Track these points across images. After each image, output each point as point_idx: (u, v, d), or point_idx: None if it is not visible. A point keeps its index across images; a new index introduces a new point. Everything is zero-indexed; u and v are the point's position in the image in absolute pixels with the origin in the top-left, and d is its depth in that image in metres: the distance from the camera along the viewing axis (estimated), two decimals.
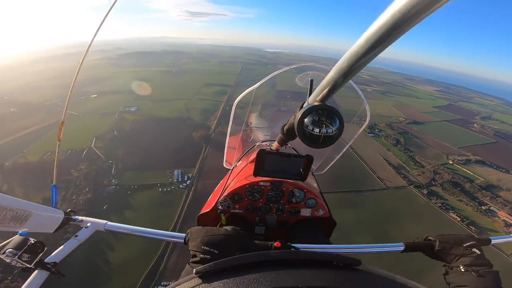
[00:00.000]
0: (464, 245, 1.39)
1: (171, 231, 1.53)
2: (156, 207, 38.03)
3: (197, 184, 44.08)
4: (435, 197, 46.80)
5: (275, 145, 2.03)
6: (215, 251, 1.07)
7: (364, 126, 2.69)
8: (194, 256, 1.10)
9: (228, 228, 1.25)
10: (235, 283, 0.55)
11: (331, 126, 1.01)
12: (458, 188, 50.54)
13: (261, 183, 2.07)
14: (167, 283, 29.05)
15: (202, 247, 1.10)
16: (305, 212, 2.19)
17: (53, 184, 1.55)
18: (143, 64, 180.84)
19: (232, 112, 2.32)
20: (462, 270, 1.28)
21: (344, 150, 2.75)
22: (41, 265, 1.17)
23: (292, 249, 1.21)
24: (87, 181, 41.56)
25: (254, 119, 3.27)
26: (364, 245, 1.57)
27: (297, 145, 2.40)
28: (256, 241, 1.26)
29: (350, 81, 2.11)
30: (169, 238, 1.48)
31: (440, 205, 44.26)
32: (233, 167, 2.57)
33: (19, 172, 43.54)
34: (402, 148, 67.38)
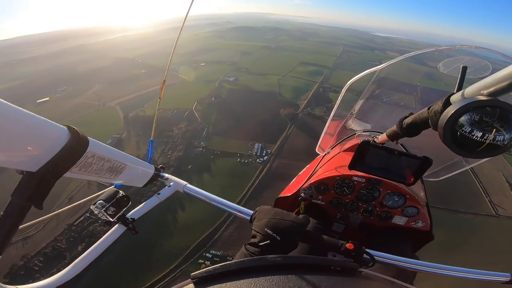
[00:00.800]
0: None
1: (236, 203, 1.48)
2: (231, 176, 39.19)
3: (273, 161, 42.95)
4: None
5: (381, 137, 1.65)
6: (277, 236, 1.00)
7: None
8: (254, 236, 1.04)
9: (301, 216, 1.12)
10: None
11: (504, 132, 0.72)
12: None
13: (355, 178, 1.82)
14: (216, 253, 30.06)
15: (266, 229, 1.03)
16: (399, 220, 1.88)
17: (151, 139, 1.52)
18: (246, 38, 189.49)
19: (341, 94, 2.12)
20: None
21: (486, 159, 1.90)
22: (122, 220, 1.21)
23: (365, 254, 1.09)
24: (183, 139, 46.88)
25: (357, 106, 2.72)
26: (460, 268, 1.34)
27: (409, 144, 2.05)
28: (325, 237, 1.13)
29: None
30: (236, 212, 1.42)
31: None
32: (325, 154, 2.30)
33: (138, 123, 53.28)
34: None
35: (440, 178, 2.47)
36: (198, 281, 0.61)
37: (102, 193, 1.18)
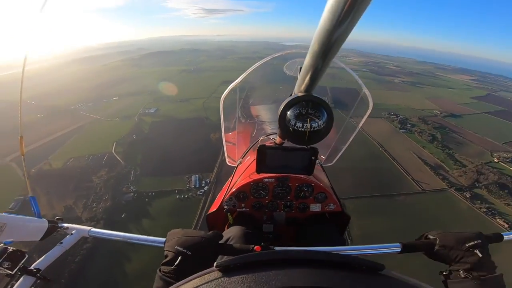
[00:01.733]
0: (467, 245, 1.25)
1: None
2: (173, 216, 36.86)
3: (214, 190, 42.34)
4: (479, 201, 42.41)
5: (278, 138, 1.83)
6: (188, 252, 1.05)
7: (368, 113, 2.24)
8: (166, 256, 1.08)
9: (211, 232, 1.22)
10: (254, 279, 0.55)
11: (317, 120, 0.89)
12: (506, 190, 45.52)
13: (266, 180, 1.98)
14: None
15: (176, 247, 1.08)
16: (315, 207, 2.07)
17: (30, 195, 1.52)
18: (163, 63, 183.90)
19: (221, 109, 2.19)
20: (462, 275, 1.19)
21: (350, 139, 2.45)
22: (25, 271, 1.25)
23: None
24: (106, 188, 41.42)
25: (258, 112, 2.96)
26: (358, 246, 1.45)
27: None
28: (237, 245, 1.21)
29: (343, 64, 2.11)
30: (150, 243, 1.44)
31: (485, 210, 39.96)
32: (238, 164, 2.43)
33: (44, 180, 44.35)
34: (440, 145, 60.62)
35: (333, 161, 2.75)
36: (222, 270, 0.62)
37: None
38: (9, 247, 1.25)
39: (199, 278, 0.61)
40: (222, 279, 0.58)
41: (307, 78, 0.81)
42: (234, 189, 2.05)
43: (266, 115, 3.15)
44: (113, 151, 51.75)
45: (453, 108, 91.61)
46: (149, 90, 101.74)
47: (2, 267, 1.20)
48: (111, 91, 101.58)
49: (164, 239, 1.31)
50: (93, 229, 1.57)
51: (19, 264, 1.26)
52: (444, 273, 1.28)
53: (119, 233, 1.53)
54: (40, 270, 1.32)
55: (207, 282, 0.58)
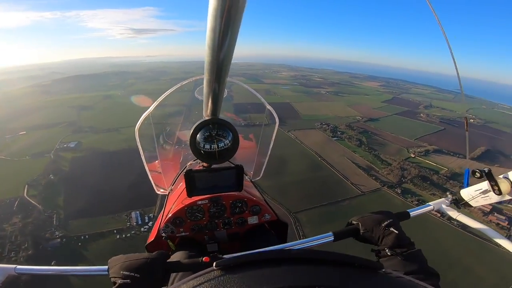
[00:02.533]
0: (383, 224, 1.37)
1: None
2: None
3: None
4: (409, 195, 47.07)
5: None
6: (135, 275, 1.04)
7: (276, 126, 2.56)
8: (114, 283, 1.06)
9: (155, 252, 1.22)
10: (253, 278, 0.56)
11: (223, 139, 0.97)
12: (428, 182, 51.72)
13: (199, 202, 2.06)
14: None
15: (121, 272, 1.06)
16: (253, 220, 2.20)
17: None
18: (83, 89, 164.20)
19: (137, 139, 2.24)
20: (389, 253, 1.27)
21: (269, 152, 2.67)
22: None
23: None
24: (24, 236, 36.81)
25: (184, 137, 3.12)
26: (296, 242, 1.59)
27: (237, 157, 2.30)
28: (187, 260, 1.22)
29: (246, 86, 2.47)
30: (91, 273, 1.37)
31: (417, 202, 42.18)
32: (169, 191, 2.55)
33: None
34: (367, 148, 67.14)
35: (261, 175, 2.84)
36: (222, 269, 0.62)
37: None
38: None
39: (198, 278, 0.61)
40: (222, 277, 0.58)
41: (209, 102, 0.88)
42: (170, 215, 2.07)
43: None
44: (25, 195, 45.99)
45: (370, 113, 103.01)
46: (65, 121, 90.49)
47: None
48: (15, 124, 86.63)
49: (106, 267, 1.26)
50: (20, 266, 1.42)
51: None
52: (375, 253, 1.38)
53: (52, 267, 1.42)
54: None
55: (207, 281, 0.58)
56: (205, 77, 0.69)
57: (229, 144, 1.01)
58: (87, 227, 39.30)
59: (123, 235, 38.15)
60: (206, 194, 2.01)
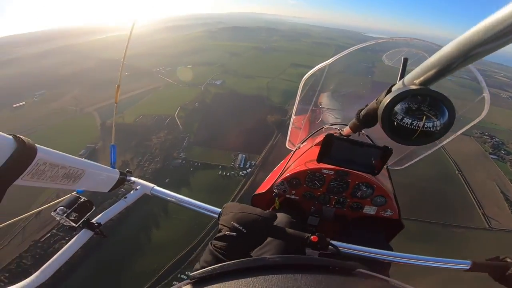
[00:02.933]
0: None
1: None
2: (210, 192, 36.56)
3: (257, 174, 40.33)
4: None
5: (346, 130, 1.74)
6: (243, 229, 1.01)
7: (476, 121, 1.93)
8: (220, 231, 1.05)
9: (267, 211, 1.14)
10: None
11: (434, 119, 0.75)
12: None
13: (324, 171, 1.87)
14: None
15: (232, 222, 1.03)
16: (369, 210, 1.95)
17: (112, 144, 1.53)
18: (238, 38, 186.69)
19: (300, 89, 2.15)
20: None
21: (436, 147, 2.18)
22: (87, 225, 1.22)
23: (330, 246, 1.11)
24: (161, 150, 43.88)
25: (325, 100, 2.82)
26: (425, 257, 1.38)
27: (373, 134, 2.08)
28: (291, 230, 1.13)
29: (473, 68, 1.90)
30: (205, 211, 1.48)
31: None
32: (296, 149, 2.35)
33: (115, 131, 50.08)
34: None
35: (403, 166, 2.49)
36: (196, 282, 0.61)
37: (63, 199, 1.18)
38: (81, 197, 1.19)
39: None
40: None
41: (432, 72, 0.73)
42: (288, 174, 1.94)
43: (335, 104, 2.84)
44: (175, 115, 54.70)
45: None
46: (219, 62, 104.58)
47: (69, 218, 1.13)
48: (187, 59, 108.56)
49: (219, 209, 1.35)
50: (156, 188, 1.55)
51: (84, 217, 1.19)
52: None
53: (180, 196, 1.54)
54: (101, 224, 1.28)
55: None
56: (456, 47, 0.61)
57: (438, 127, 0.63)
58: (202, 155, 43.03)
59: (224, 173, 40.31)
60: (337, 165, 1.77)
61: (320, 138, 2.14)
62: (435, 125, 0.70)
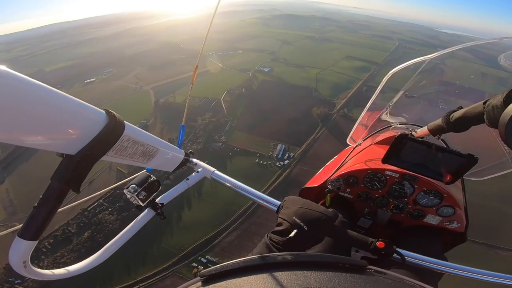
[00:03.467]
0: None
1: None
2: (245, 178, 35.72)
3: (294, 167, 38.93)
4: None
5: (420, 131, 1.54)
6: (305, 226, 0.98)
7: None
8: (280, 225, 1.02)
9: (330, 210, 1.10)
10: (239, 286, 0.56)
11: None
12: None
13: (388, 172, 1.73)
14: (212, 259, 28.38)
15: (294, 218, 1.01)
16: (432, 220, 1.78)
17: (182, 123, 1.55)
18: (291, 26, 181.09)
19: (382, 83, 1.98)
20: None
21: None
22: (152, 205, 1.25)
23: (396, 254, 1.06)
24: (204, 132, 45.43)
25: (396, 98, 2.51)
26: (491, 272, 1.28)
27: (451, 140, 1.90)
28: (353, 233, 1.09)
29: None
30: (263, 202, 1.44)
31: None
32: (356, 145, 2.23)
33: (166, 110, 53.20)
34: None
35: (483, 178, 2.22)
36: (206, 279, 0.61)
37: (135, 177, 1.21)
38: (151, 176, 1.21)
39: None
40: None
41: None
42: (345, 171, 1.83)
43: (408, 103, 2.55)
44: (221, 98, 55.85)
45: None
46: (270, 49, 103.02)
47: (139, 197, 1.15)
48: (239, 44, 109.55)
49: (278, 202, 1.31)
50: (216, 172, 1.54)
51: (151, 196, 1.22)
52: None
53: (239, 184, 1.52)
54: (163, 205, 1.31)
55: None
56: None
57: None
58: (242, 141, 42.96)
59: (261, 161, 39.63)
60: (404, 168, 1.61)
61: (383, 136, 2.05)
62: None
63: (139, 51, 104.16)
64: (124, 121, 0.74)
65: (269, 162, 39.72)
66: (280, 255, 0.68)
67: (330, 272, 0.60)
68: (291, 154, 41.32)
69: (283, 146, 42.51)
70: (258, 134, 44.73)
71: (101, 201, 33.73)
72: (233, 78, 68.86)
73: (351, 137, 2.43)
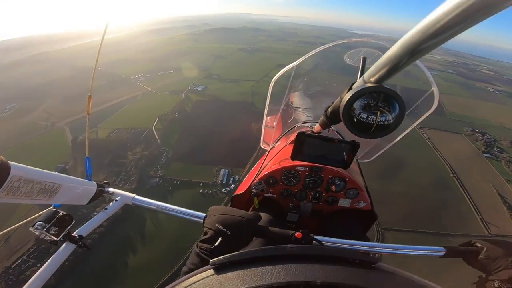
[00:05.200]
0: None
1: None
2: None
3: None
4: None
5: (316, 127, 1.86)
6: (227, 231, 1.05)
7: (427, 114, 2.13)
8: (205, 233, 1.08)
9: (251, 212, 1.20)
10: (250, 275, 0.56)
11: (388, 114, 0.85)
12: None
13: (299, 168, 1.94)
14: None
15: (216, 225, 1.07)
16: (344, 203, 2.04)
17: (86, 156, 1.54)
18: (223, 40, 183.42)
19: (270, 90, 2.26)
20: (496, 285, 1.22)
21: (398, 138, 2.38)
22: (68, 238, 1.24)
23: (314, 241, 1.14)
24: (137, 168, 40.36)
25: (296, 98, 3.02)
26: (400, 246, 1.47)
27: (342, 129, 2.24)
28: (276, 229, 1.18)
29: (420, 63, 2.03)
30: (190, 217, 1.50)
31: None
32: (271, 148, 2.46)
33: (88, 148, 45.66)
34: None
35: (371, 159, 2.66)
36: (217, 267, 0.62)
37: (40, 214, 1.20)
38: (59, 211, 1.21)
39: (194, 277, 0.61)
40: (218, 276, 0.59)
41: (384, 70, 0.80)
42: (265, 173, 1.99)
43: (306, 103, 3.00)
44: (153, 127, 50.97)
45: None
46: (203, 66, 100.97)
47: (49, 233, 1.14)
48: (169, 63, 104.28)
49: (203, 214, 1.37)
50: (137, 197, 1.57)
51: (65, 230, 1.21)
52: (481, 279, 1.31)
53: (162, 204, 1.56)
54: (83, 237, 1.30)
55: (202, 279, 0.59)
56: (402, 45, 0.66)
57: (391, 120, 0.87)
58: (182, 172, 39.53)
59: (206, 190, 37.40)
60: (311, 162, 1.86)
61: (293, 136, 2.11)
62: (387, 119, 0.79)
63: (49, 80, 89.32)
64: (9, 162, 0.72)
65: (214, 190, 37.50)
66: (291, 247, 0.70)
67: (339, 267, 0.60)
68: (236, 177, 39.74)
69: (227, 170, 40.70)
70: (198, 161, 41.89)
71: (24, 257, 28.84)
72: (165, 102, 64.06)
73: (263, 141, 2.59)
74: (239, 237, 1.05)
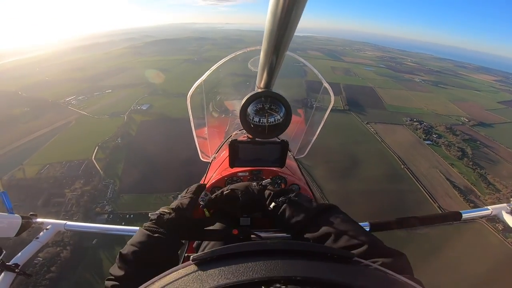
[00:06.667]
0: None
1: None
2: None
3: None
4: None
5: None
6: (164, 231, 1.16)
7: (329, 108, 2.40)
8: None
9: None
10: (231, 271, 0.56)
11: (275, 114, 0.97)
12: None
13: (240, 174, 2.07)
14: None
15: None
16: None
17: (1, 191, 1.59)
18: (167, 52, 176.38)
19: (188, 106, 2.29)
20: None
21: (318, 131, 2.58)
22: (4, 267, 1.31)
23: (253, 235, 1.23)
24: (79, 206, 35.94)
25: (231, 107, 3.11)
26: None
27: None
28: (211, 229, 1.26)
29: (303, 60, 2.38)
30: (129, 233, 1.53)
31: None
32: (212, 160, 2.52)
33: (16, 190, 38.87)
34: (470, 163, 51.07)
35: (305, 153, 2.79)
36: (198, 263, 0.62)
37: None
38: None
39: (175, 273, 0.61)
40: (199, 272, 0.58)
41: (264, 74, 0.84)
42: (208, 185, 2.06)
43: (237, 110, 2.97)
44: (93, 158, 46.02)
45: (481, 115, 79.91)
46: (146, 82, 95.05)
47: None
48: (106, 82, 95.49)
49: (137, 228, 1.45)
50: (69, 223, 1.63)
51: None
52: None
53: (96, 225, 1.61)
54: (19, 265, 1.36)
55: (184, 276, 0.58)
56: (263, 47, 0.70)
57: (281, 120, 1.07)
58: (134, 205, 36.55)
59: None
60: (248, 166, 2.00)
61: None
62: (277, 119, 0.85)
63: None
64: None
65: None
66: (272, 242, 0.71)
67: (318, 262, 0.61)
68: None
69: None
70: (150, 190, 38.95)
71: None
72: (104, 126, 57.92)
73: (201, 153, 2.63)
74: (172, 240, 1.14)
